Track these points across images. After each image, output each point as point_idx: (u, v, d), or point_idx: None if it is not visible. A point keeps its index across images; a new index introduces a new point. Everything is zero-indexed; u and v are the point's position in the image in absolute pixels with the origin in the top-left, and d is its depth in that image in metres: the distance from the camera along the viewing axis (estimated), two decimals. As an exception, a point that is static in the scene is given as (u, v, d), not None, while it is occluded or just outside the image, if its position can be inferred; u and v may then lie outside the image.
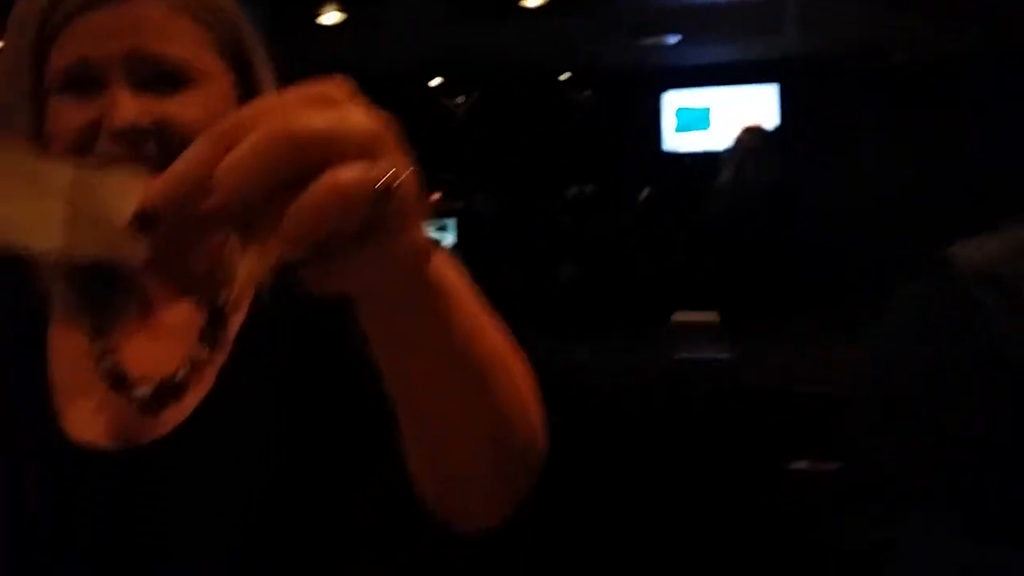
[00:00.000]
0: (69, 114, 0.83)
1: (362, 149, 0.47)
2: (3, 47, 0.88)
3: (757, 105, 7.11)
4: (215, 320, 0.91)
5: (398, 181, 0.48)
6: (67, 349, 0.93)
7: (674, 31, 6.05)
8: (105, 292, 0.93)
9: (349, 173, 0.46)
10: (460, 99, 7.75)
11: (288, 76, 0.89)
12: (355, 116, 0.48)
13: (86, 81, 0.84)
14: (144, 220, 0.47)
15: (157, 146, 0.83)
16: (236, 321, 0.92)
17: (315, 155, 0.46)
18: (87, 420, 0.90)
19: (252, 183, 0.45)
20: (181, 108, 0.84)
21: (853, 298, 3.29)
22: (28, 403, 0.91)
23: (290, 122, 0.46)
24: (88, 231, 0.49)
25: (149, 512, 0.86)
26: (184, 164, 0.47)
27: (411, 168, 0.50)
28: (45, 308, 0.93)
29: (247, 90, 0.90)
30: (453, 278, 0.61)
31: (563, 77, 7.58)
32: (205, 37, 0.88)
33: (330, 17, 4.94)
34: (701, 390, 2.62)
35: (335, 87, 0.50)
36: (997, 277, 0.91)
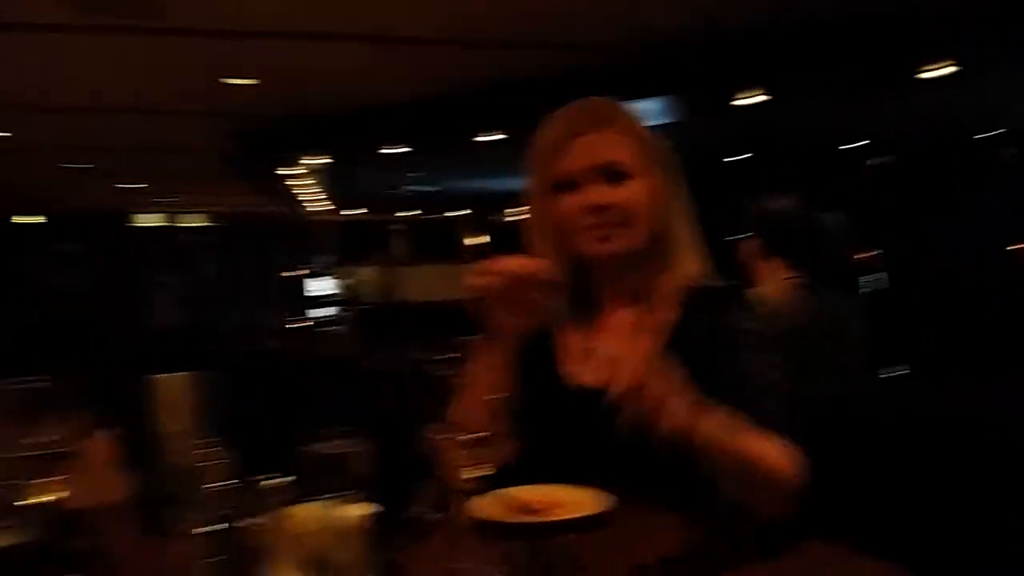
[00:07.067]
0: (571, 200, 1.35)
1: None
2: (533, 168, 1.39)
3: None
4: (651, 320, 1.39)
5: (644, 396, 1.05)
6: (568, 339, 1.45)
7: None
8: (584, 311, 1.46)
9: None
10: (881, 159, 8.13)
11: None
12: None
13: (573, 183, 1.35)
14: None
15: (612, 215, 1.33)
16: (668, 318, 1.38)
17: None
18: (580, 375, 1.41)
19: None
20: (620, 192, 1.34)
21: None
22: (549, 367, 1.44)
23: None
24: None
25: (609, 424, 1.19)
26: None
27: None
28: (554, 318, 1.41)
29: (673, 185, 1.39)
30: (714, 432, 1.12)
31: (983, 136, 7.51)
32: (638, 149, 1.36)
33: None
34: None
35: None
36: None
